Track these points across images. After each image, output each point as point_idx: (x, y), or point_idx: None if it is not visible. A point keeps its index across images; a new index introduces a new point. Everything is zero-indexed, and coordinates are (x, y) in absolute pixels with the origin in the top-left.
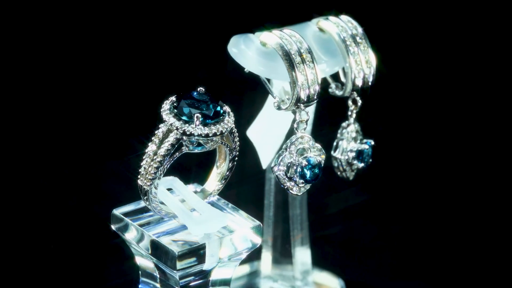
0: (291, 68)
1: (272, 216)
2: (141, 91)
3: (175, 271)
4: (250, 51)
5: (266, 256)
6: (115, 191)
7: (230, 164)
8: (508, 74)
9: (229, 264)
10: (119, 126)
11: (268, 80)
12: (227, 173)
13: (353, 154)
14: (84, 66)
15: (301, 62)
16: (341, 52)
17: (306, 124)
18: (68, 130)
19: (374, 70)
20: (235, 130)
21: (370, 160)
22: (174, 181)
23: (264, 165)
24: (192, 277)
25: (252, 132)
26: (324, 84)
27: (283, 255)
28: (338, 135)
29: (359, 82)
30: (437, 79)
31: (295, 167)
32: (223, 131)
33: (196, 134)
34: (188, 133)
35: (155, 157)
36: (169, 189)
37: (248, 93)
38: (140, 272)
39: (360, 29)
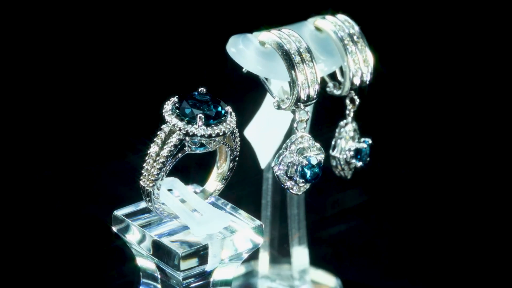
0: (291, 68)
1: (270, 216)
2: (140, 92)
3: (179, 272)
4: (249, 50)
5: (264, 256)
6: (115, 192)
7: (230, 164)
8: (505, 71)
9: (231, 264)
10: (118, 127)
11: (267, 79)
12: (228, 173)
13: (352, 153)
14: (83, 67)
15: (301, 61)
16: (339, 51)
17: (306, 123)
18: (68, 131)
19: (371, 68)
20: (236, 130)
21: (368, 159)
22: (174, 182)
23: (263, 165)
24: (194, 278)
25: (249, 132)
26: (322, 83)
27: (280, 255)
28: (336, 134)
29: (357, 81)
30: (433, 78)
31: (295, 167)
32: (226, 132)
33: (199, 134)
34: (191, 133)
35: (157, 158)
36: (169, 190)
37: (247, 93)
38: (141, 273)
39: (357, 28)
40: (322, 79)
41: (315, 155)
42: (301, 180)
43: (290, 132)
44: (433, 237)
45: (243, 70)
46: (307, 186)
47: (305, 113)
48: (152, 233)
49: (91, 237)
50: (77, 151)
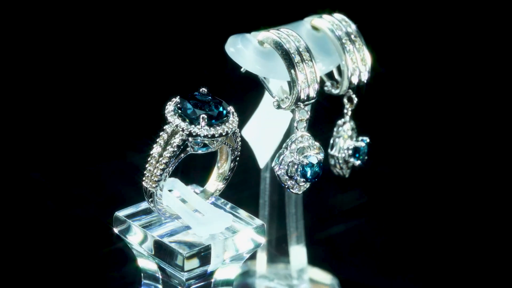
0: (290, 67)
1: (267, 215)
2: (140, 92)
3: (182, 273)
4: (248, 50)
5: (262, 255)
6: (115, 193)
7: (231, 164)
8: (503, 68)
9: (232, 264)
10: (118, 127)
11: (265, 79)
12: (229, 173)
13: (350, 151)
14: (82, 67)
15: (301, 61)
16: (337, 50)
17: (306, 123)
18: (68, 131)
19: (369, 67)
20: (237, 130)
21: (366, 157)
22: (175, 182)
23: (262, 165)
24: (196, 279)
25: (247, 132)
26: (320, 82)
27: (278, 254)
28: (334, 133)
29: (355, 80)
30: (430, 76)
31: (296, 166)
32: (229, 131)
33: (202, 135)
34: (194, 134)
35: (160, 159)
36: (169, 191)
37: (247, 93)
38: (142, 274)
39: (354, 27)
40: (320, 78)
41: (315, 154)
42: (302, 180)
43: (288, 132)
44: (430, 236)
45: (241, 69)
46: (307, 185)
47: (305, 112)
48: (154, 234)
49: (91, 238)
50: (77, 151)
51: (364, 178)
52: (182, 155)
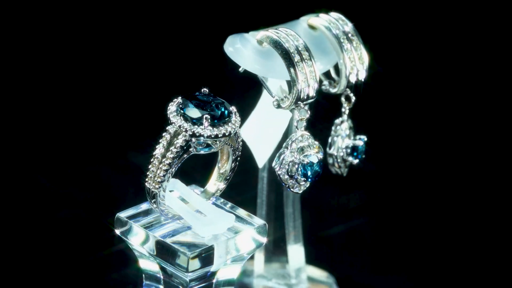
0: (290, 67)
1: (265, 215)
2: (139, 92)
3: (187, 273)
4: (247, 50)
5: (259, 255)
6: (115, 194)
7: (232, 164)
8: (499, 66)
9: (234, 264)
10: (117, 127)
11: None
12: (230, 173)
13: (348, 150)
14: (82, 67)
15: (300, 60)
16: (335, 49)
17: (306, 122)
18: (68, 132)
19: (367, 66)
20: (238, 129)
21: (364, 156)
22: (176, 183)
23: (260, 164)
24: (198, 279)
25: (245, 131)
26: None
27: (276, 254)
28: (332, 132)
29: (353, 79)
30: (427, 75)
31: (296, 166)
32: (232, 131)
33: (205, 135)
34: (197, 134)
35: (163, 160)
36: (170, 191)
37: (247, 93)
38: (143, 275)
39: (351, 26)
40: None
41: (315, 154)
42: (303, 179)
43: (286, 131)
44: (428, 235)
45: (240, 69)
46: (307, 184)
47: (305, 112)
48: (157, 235)
49: (92, 239)
50: (77, 152)
51: (362, 177)
52: (185, 155)
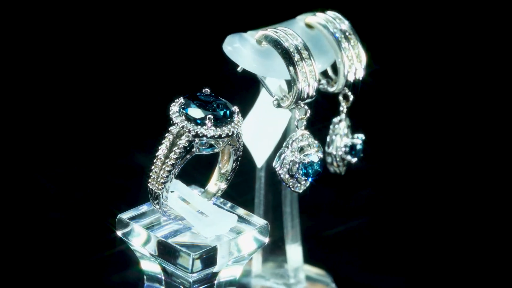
0: (291, 66)
1: (263, 215)
2: (138, 92)
3: (190, 274)
4: (245, 49)
5: (257, 254)
6: (115, 195)
7: (234, 165)
8: (495, 64)
9: (236, 264)
10: (118, 127)
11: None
12: (231, 173)
13: (347, 149)
14: (82, 68)
15: (300, 59)
16: (333, 47)
17: (306, 121)
18: (69, 134)
19: (364, 64)
20: (240, 129)
21: (362, 154)
22: (176, 184)
23: (259, 164)
24: (201, 280)
25: (243, 131)
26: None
27: (273, 253)
28: (330, 131)
29: (351, 77)
30: (424, 74)
31: (297, 165)
32: (234, 132)
33: (209, 135)
34: (201, 135)
35: (166, 161)
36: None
37: (247, 92)
38: (145, 276)
39: (348, 24)
40: None
41: (316, 153)
42: (303, 178)
43: (285, 131)
44: (426, 234)
45: (238, 69)
46: (307, 184)
47: (306, 111)
48: (159, 235)
49: (93, 240)
50: (78, 153)
51: (360, 176)
52: (188, 156)
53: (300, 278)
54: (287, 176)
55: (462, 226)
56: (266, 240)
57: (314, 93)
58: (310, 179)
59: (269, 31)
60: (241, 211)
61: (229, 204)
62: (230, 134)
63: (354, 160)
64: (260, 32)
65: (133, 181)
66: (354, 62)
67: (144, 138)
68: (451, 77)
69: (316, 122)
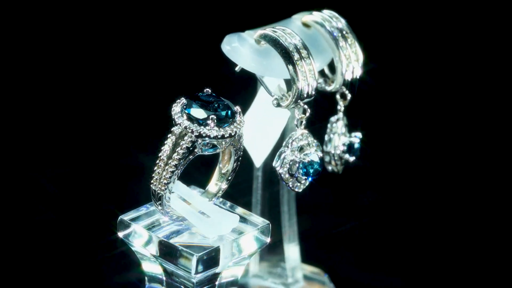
0: (290, 65)
1: (260, 214)
2: (138, 92)
3: (194, 275)
4: (244, 48)
5: (255, 254)
6: (115, 196)
7: (234, 165)
8: (493, 63)
9: (238, 265)
10: (118, 128)
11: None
12: (232, 173)
13: (345, 148)
14: (82, 68)
15: (299, 58)
16: (330, 46)
17: (306, 120)
18: (69, 134)
19: (361, 63)
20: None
21: (359, 153)
22: (177, 184)
23: (258, 164)
24: (203, 280)
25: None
26: None
27: (271, 253)
28: (328, 130)
29: (348, 76)
30: (422, 74)
31: (297, 165)
32: (237, 132)
33: (212, 136)
34: (204, 135)
35: (169, 161)
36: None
37: (242, 92)
38: (146, 278)
39: (345, 23)
40: None
41: (315, 152)
42: (303, 178)
43: (285, 130)
44: (424, 233)
45: (236, 68)
46: (307, 183)
47: (306, 110)
48: (161, 236)
49: (95, 241)
50: (78, 153)
51: (359, 175)
52: (191, 156)
53: (297, 278)
54: (287, 175)
55: (460, 226)
56: (268, 239)
57: (313, 92)
58: (310, 179)
59: (268, 30)
60: (240, 210)
61: (229, 203)
62: (233, 134)
63: (352, 158)
64: (259, 32)
65: (135, 182)
66: (352, 61)
67: (145, 138)
68: (448, 75)
69: (315, 121)
